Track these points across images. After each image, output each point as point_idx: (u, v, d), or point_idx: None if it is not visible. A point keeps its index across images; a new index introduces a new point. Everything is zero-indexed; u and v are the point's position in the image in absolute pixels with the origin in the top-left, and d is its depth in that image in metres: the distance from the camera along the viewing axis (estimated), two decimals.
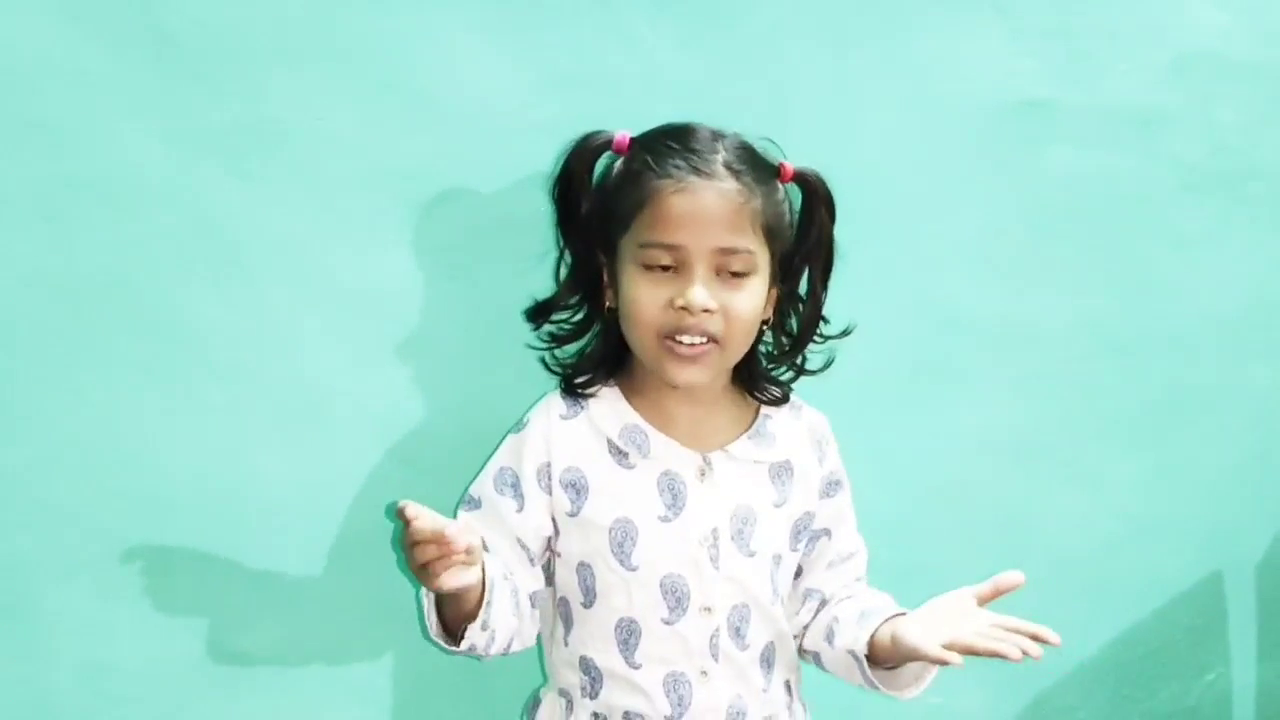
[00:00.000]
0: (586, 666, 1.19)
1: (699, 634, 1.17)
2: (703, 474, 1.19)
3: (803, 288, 1.25)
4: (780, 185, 1.19)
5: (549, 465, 1.18)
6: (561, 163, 1.21)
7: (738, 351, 1.18)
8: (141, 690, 1.25)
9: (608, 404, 1.21)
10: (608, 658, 1.17)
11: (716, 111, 1.34)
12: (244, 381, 1.25)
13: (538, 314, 1.23)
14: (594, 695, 1.18)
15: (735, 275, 1.14)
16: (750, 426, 1.23)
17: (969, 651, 1.07)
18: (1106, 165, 1.54)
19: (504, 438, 1.23)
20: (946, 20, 1.46)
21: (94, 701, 1.24)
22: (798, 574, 1.28)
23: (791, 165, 1.20)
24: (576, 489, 1.18)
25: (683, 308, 1.12)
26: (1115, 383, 1.59)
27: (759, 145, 1.19)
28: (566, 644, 1.20)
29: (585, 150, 1.19)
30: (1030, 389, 1.56)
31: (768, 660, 1.22)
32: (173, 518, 1.24)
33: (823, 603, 1.28)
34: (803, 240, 1.21)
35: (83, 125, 1.18)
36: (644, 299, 1.13)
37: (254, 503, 1.26)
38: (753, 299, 1.15)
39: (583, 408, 1.21)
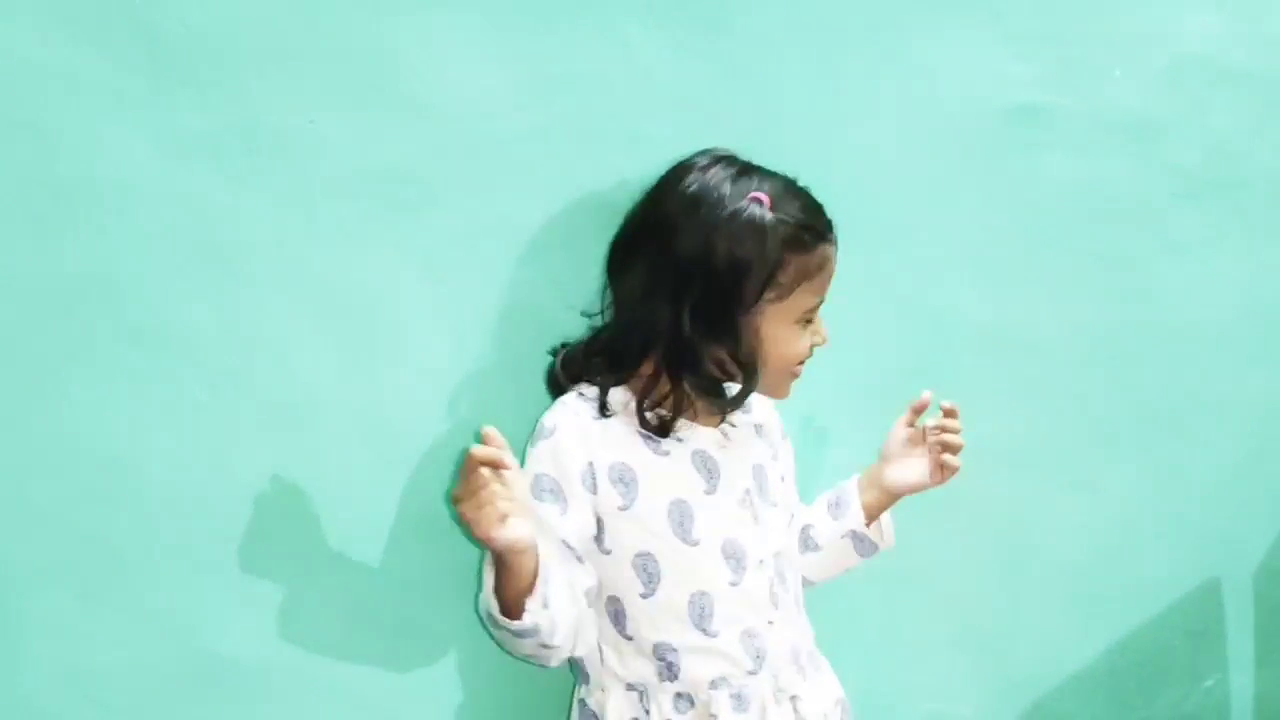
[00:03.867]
0: (662, 651, 1.22)
1: (760, 587, 1.25)
2: (722, 445, 1.27)
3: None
4: None
5: (592, 465, 1.20)
6: (714, 255, 1.17)
7: None
8: (124, 695, 1.24)
9: (620, 400, 1.24)
10: (684, 635, 1.22)
11: (709, 117, 1.34)
12: (230, 384, 1.24)
13: (694, 365, 1.21)
14: (674, 677, 1.22)
15: None
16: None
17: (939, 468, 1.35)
18: (1101, 171, 1.54)
19: (525, 450, 1.22)
20: (940, 25, 1.46)
21: (75, 705, 1.23)
22: None
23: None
24: (625, 482, 1.21)
25: (819, 346, 1.26)
26: (1111, 388, 1.59)
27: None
28: (629, 638, 1.23)
29: (753, 230, 1.17)
30: (1026, 395, 1.56)
31: (799, 601, 1.32)
32: (158, 521, 1.24)
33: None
34: None
35: (71, 127, 1.18)
36: (801, 347, 1.24)
37: (240, 506, 1.26)
38: None
39: (608, 405, 1.24)
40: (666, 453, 1.23)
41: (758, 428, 1.32)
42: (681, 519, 1.22)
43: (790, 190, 1.21)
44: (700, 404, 1.24)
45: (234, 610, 1.27)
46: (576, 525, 1.19)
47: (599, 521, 1.21)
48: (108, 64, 1.18)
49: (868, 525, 1.36)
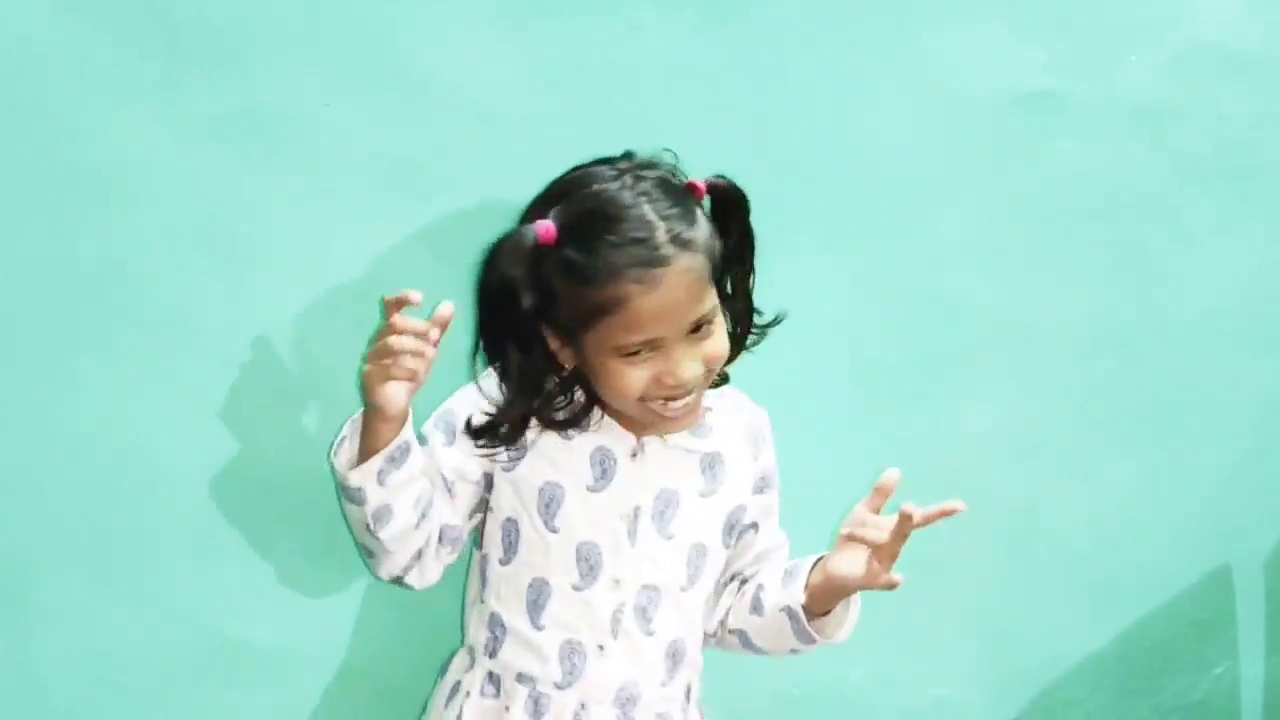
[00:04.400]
0: (494, 623, 1.22)
1: (604, 605, 1.20)
2: (634, 454, 1.23)
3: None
4: (697, 206, 1.18)
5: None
6: (488, 274, 1.15)
7: (715, 373, 1.21)
8: (139, 679, 1.25)
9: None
10: (515, 616, 1.21)
11: (721, 102, 1.34)
12: (243, 371, 1.25)
13: (482, 432, 1.21)
14: (493, 654, 1.22)
15: (705, 327, 1.16)
16: None
17: (893, 555, 1.17)
18: (1112, 158, 1.53)
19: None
20: (951, 11, 1.45)
21: (91, 691, 1.24)
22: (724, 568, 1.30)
23: (699, 182, 1.19)
24: (517, 446, 1.21)
25: (674, 386, 1.15)
26: (1120, 377, 1.58)
27: (661, 164, 1.18)
28: (483, 600, 1.24)
29: (518, 253, 1.13)
30: (1034, 384, 1.55)
31: (673, 655, 1.24)
32: (171, 507, 1.25)
33: (744, 580, 1.31)
34: (726, 247, 1.20)
35: (84, 114, 1.19)
36: (631, 380, 1.15)
37: (253, 493, 1.26)
38: (721, 333, 1.18)
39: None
40: (569, 437, 1.22)
41: (709, 457, 1.25)
42: (549, 501, 1.20)
43: (597, 218, 1.12)
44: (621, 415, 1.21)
45: (246, 595, 1.28)
46: (457, 461, 1.21)
47: (488, 477, 1.23)
48: (121, 50, 1.19)
49: (811, 609, 1.23)
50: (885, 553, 1.17)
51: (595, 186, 1.15)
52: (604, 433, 1.22)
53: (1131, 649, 1.64)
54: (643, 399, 1.16)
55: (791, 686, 1.49)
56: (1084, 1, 1.50)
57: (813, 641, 1.24)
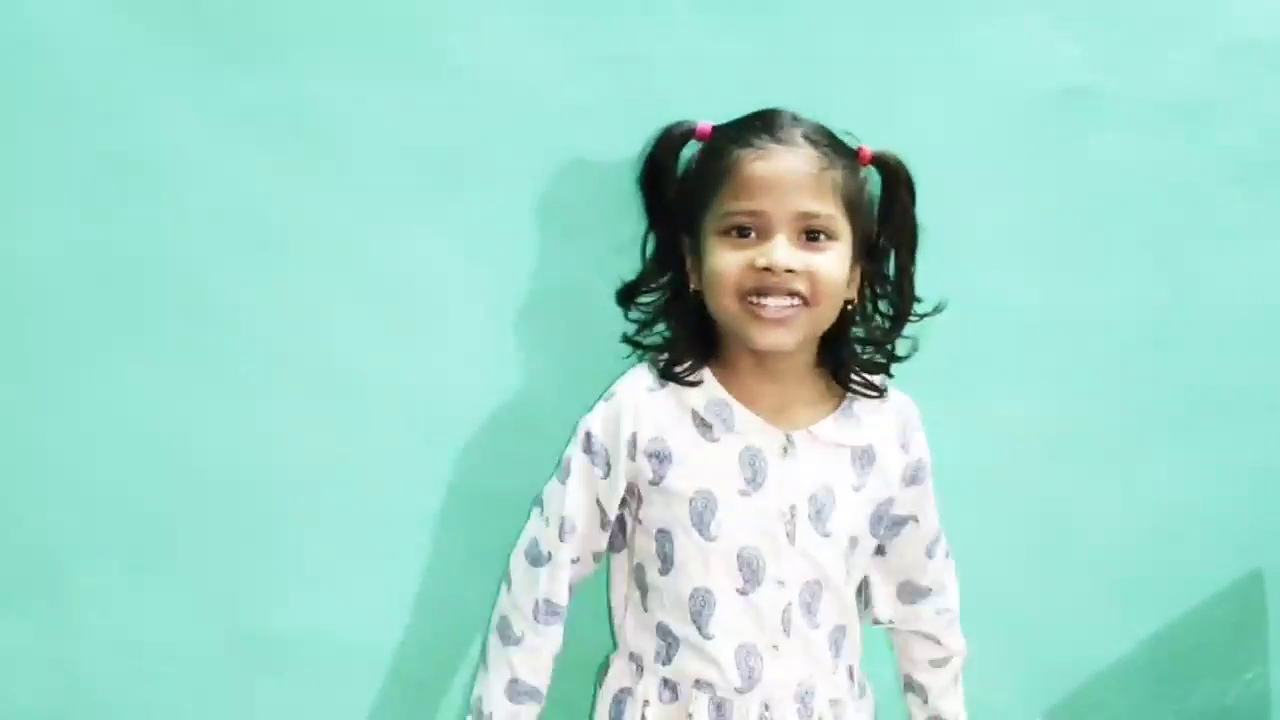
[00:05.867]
0: (664, 633, 1.21)
1: (773, 607, 1.20)
2: (785, 451, 1.21)
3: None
4: (859, 167, 1.21)
5: (635, 435, 1.20)
6: (647, 152, 1.22)
7: (826, 316, 1.19)
8: (173, 668, 1.26)
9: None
10: (683, 626, 1.20)
11: (755, 95, 1.33)
12: (277, 361, 1.25)
13: (625, 296, 1.24)
14: (667, 661, 1.21)
15: (817, 240, 1.15)
16: (837, 409, 1.24)
17: None
18: (1151, 155, 1.51)
19: (594, 406, 1.24)
20: (987, 5, 1.44)
21: (126, 679, 1.25)
22: (880, 551, 1.31)
23: (869, 148, 1.22)
24: (660, 458, 1.19)
25: (765, 268, 1.13)
26: (1155, 376, 1.56)
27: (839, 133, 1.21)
28: (646, 609, 1.23)
29: (670, 139, 1.20)
30: (1067, 382, 1.54)
31: (836, 642, 1.25)
32: (206, 497, 1.25)
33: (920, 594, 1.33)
34: (885, 222, 1.23)
35: (120, 105, 1.19)
36: (726, 262, 1.14)
37: (287, 483, 1.26)
38: (837, 262, 1.17)
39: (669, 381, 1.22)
40: (715, 440, 1.20)
41: (860, 451, 1.24)
42: (703, 510, 1.19)
43: (751, 115, 1.19)
44: (766, 395, 1.21)
45: (279, 585, 1.28)
46: (613, 490, 1.20)
47: (636, 490, 1.21)
48: (158, 40, 1.19)
49: None
50: None
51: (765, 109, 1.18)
52: (750, 431, 1.20)
53: (1161, 652, 1.63)
54: (741, 297, 1.15)
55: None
56: None
57: None
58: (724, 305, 1.16)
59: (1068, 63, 1.47)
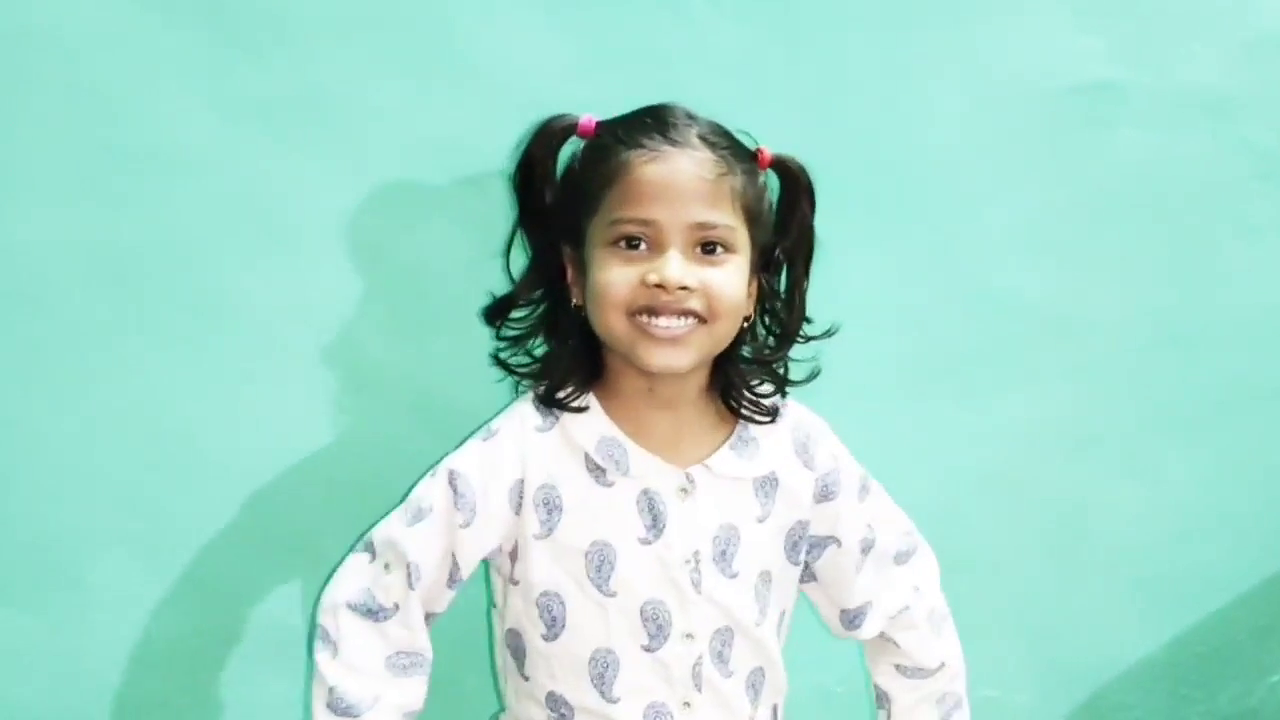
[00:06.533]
0: (556, 702, 1.11)
1: (681, 662, 1.11)
2: (684, 492, 1.11)
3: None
4: (759, 171, 1.11)
5: (522, 482, 1.10)
6: (522, 149, 1.12)
7: (725, 335, 1.09)
8: (182, 661, 1.26)
9: (583, 414, 1.12)
10: (580, 694, 1.10)
11: (771, 89, 1.33)
12: (286, 353, 1.25)
13: (495, 313, 1.14)
14: None
15: (714, 253, 1.06)
16: (731, 434, 1.15)
17: None
18: (1174, 150, 1.50)
19: (464, 442, 1.14)
20: None
21: (138, 672, 1.25)
22: (812, 577, 1.23)
23: (769, 151, 1.13)
24: (549, 508, 1.09)
25: (657, 285, 1.03)
26: (1177, 374, 1.55)
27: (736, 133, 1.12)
28: (526, 678, 1.13)
29: (548, 134, 1.10)
30: (1090, 379, 1.52)
31: (754, 685, 1.16)
32: (214, 489, 1.25)
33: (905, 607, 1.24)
34: (783, 231, 1.13)
35: (131, 96, 1.19)
36: (614, 277, 1.04)
37: (295, 475, 1.27)
38: (736, 277, 1.07)
39: (556, 419, 1.12)
40: (610, 484, 1.10)
41: (760, 482, 1.14)
42: (600, 564, 1.09)
43: (640, 111, 1.09)
44: (659, 427, 1.11)
45: (293, 580, 1.29)
46: (479, 543, 1.09)
47: (515, 546, 1.11)
48: (167, 30, 1.19)
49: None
50: None
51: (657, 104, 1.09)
52: (646, 473, 1.10)
53: (1184, 654, 1.61)
54: (630, 315, 1.05)
55: (835, 684, 1.47)
56: None
57: None
58: (610, 324, 1.06)
59: (1090, 57, 1.46)
